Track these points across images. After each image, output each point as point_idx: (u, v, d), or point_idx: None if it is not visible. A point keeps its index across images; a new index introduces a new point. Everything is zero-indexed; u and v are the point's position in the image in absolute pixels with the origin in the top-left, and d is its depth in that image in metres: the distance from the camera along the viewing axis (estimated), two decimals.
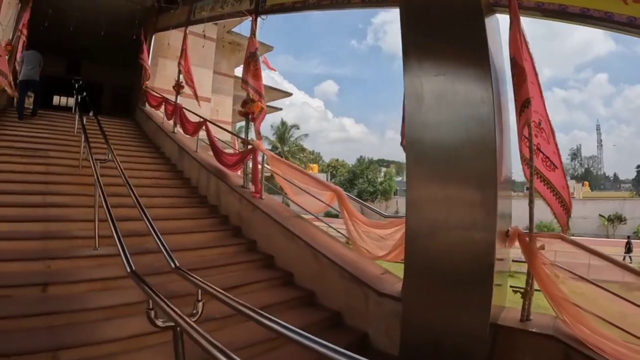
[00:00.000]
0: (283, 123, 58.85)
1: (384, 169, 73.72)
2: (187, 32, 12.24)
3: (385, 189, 60.87)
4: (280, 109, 28.76)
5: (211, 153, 9.05)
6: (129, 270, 3.62)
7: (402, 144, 5.62)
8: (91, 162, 5.82)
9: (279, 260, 6.67)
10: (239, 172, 8.57)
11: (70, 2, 14.01)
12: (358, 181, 60.52)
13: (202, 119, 9.80)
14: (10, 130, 9.70)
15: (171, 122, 11.47)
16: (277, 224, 6.75)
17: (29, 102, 11.65)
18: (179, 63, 11.61)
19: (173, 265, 4.00)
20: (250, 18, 8.97)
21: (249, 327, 4.38)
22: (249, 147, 8.07)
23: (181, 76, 11.66)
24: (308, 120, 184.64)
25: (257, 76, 8.13)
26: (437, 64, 4.40)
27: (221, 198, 8.29)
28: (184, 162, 10.02)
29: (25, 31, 11.26)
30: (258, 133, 8.31)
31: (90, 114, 9.44)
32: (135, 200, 5.06)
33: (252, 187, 7.90)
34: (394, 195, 61.65)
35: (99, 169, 5.64)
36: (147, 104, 13.59)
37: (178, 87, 11.54)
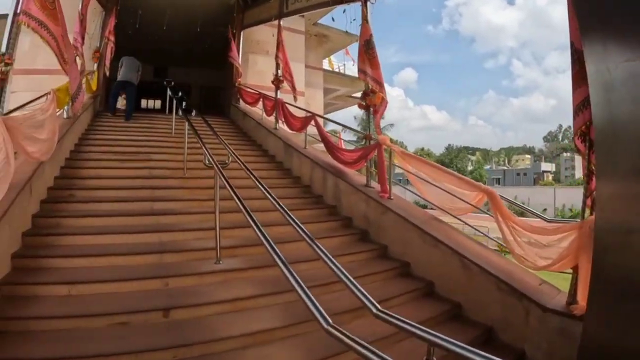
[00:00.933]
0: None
1: (472, 157, 71.41)
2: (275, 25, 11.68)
3: (475, 178, 58.49)
4: None
5: (320, 148, 8.28)
6: (325, 325, 2.68)
7: (574, 139, 4.60)
8: (214, 165, 5.11)
9: (416, 267, 5.78)
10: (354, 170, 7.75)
11: (153, 8, 14.16)
12: None
13: (309, 113, 9.04)
14: (107, 135, 9.47)
15: (271, 118, 10.81)
16: (416, 228, 5.82)
17: (121, 103, 11.88)
18: (277, 57, 10.93)
19: (374, 310, 2.87)
20: (360, 3, 7.95)
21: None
22: (371, 142, 7.25)
23: (279, 70, 10.95)
24: (389, 109, 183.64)
25: (375, 65, 7.18)
26: (627, 46, 3.40)
27: (342, 198, 7.43)
28: (292, 160, 9.28)
29: (112, 37, 11.37)
30: (378, 127, 7.37)
31: (193, 113, 8.81)
32: (275, 204, 4.30)
33: (376, 186, 7.02)
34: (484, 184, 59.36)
35: (220, 172, 4.96)
36: (240, 101, 13.18)
37: (277, 82, 10.78)
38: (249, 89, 12.70)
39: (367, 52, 7.24)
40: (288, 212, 4.11)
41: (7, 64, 4.62)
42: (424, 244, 5.67)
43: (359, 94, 22.61)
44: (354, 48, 19.47)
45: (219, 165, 4.99)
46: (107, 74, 11.85)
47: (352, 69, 23.09)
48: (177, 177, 7.51)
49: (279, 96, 10.70)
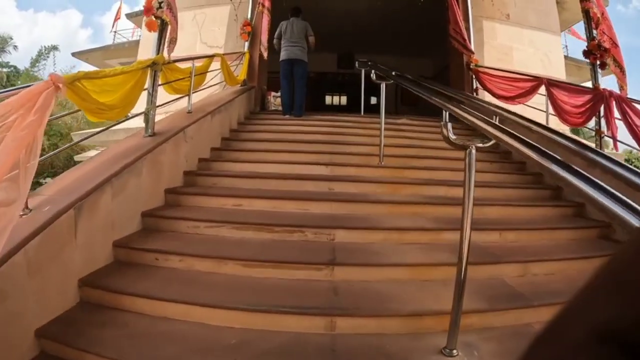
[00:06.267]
0: None
1: None
2: None
3: None
4: None
5: None
6: None
7: None
8: None
9: None
10: None
11: None
12: None
13: None
14: (248, 163, 5.02)
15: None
16: None
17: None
18: (585, 5, 5.11)
19: None
20: None
21: None
22: None
23: (594, 30, 5.10)
24: None
25: None
26: None
27: None
28: None
29: (267, 3, 8.08)
30: None
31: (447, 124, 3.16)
32: None
33: None
34: None
35: None
36: (476, 92, 7.91)
37: (600, 55, 4.97)
38: (500, 73, 7.42)
39: None
40: None
41: None
42: None
43: (586, 83, 16.29)
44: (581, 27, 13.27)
45: None
46: (265, 55, 8.06)
47: (576, 52, 15.61)
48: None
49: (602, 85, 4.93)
